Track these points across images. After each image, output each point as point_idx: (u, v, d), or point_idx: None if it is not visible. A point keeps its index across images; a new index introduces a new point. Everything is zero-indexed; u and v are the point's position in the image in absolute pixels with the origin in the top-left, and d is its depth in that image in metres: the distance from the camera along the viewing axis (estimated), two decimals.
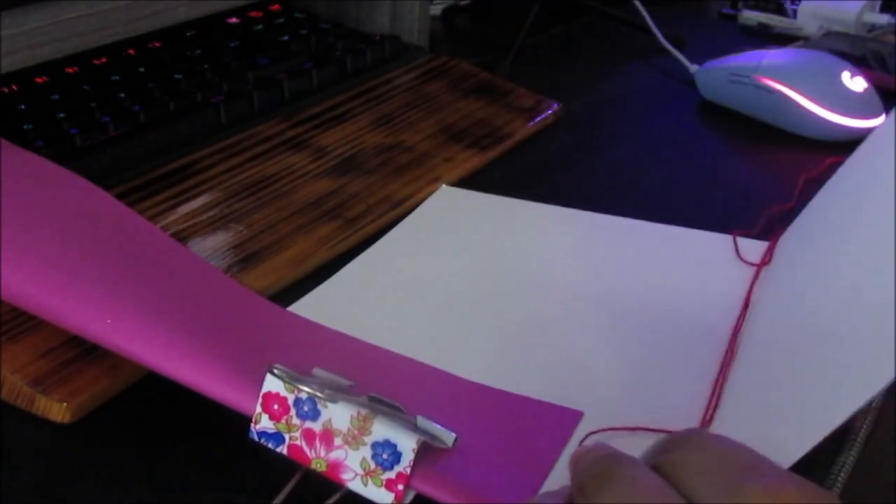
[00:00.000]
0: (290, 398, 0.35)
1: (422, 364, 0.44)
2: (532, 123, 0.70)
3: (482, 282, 0.51)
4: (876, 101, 0.71)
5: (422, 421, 0.36)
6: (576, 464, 0.31)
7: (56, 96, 0.60)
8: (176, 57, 0.67)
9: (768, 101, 0.72)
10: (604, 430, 0.40)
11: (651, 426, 0.40)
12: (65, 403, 0.40)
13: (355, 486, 0.35)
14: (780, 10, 0.96)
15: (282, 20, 0.76)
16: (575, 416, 0.41)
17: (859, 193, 0.50)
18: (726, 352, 0.45)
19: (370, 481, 0.34)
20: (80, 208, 0.46)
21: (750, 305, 0.49)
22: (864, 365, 0.35)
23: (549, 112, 0.72)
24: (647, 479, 0.28)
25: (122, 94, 0.61)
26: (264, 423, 0.36)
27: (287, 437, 0.35)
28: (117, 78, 0.63)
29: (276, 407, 0.35)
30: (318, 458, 0.35)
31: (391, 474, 0.34)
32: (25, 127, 0.55)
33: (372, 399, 0.36)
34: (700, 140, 0.73)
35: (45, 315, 0.39)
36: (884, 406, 0.43)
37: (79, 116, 0.58)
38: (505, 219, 0.58)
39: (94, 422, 0.40)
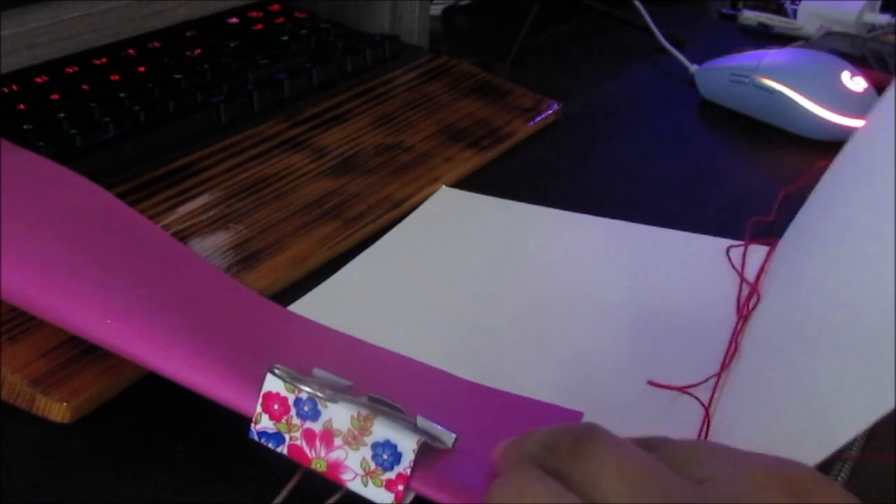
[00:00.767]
0: (291, 398, 0.35)
1: (422, 364, 0.44)
2: (532, 123, 0.70)
3: (481, 283, 0.51)
4: (876, 101, 0.71)
5: (422, 421, 0.36)
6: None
7: (56, 96, 0.59)
8: (176, 57, 0.67)
9: (768, 101, 0.72)
10: None
11: (649, 429, 0.40)
12: (65, 403, 0.40)
13: (355, 486, 0.35)
14: (780, 10, 0.97)
15: (282, 20, 0.76)
16: (575, 417, 0.41)
17: (854, 192, 0.50)
18: (725, 355, 0.45)
19: (370, 481, 0.34)
20: (80, 208, 0.46)
21: (748, 311, 0.48)
22: (865, 391, 0.35)
23: (549, 112, 0.72)
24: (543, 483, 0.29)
25: (122, 94, 0.61)
26: (264, 423, 0.36)
27: (287, 437, 0.35)
28: (117, 78, 0.63)
29: (276, 407, 0.35)
30: (318, 458, 0.35)
31: (391, 475, 0.34)
32: (25, 127, 0.55)
33: (372, 399, 0.36)
34: (700, 140, 0.73)
35: (45, 316, 0.39)
36: None
37: (79, 116, 0.58)
38: (504, 221, 0.58)
39: (94, 422, 0.40)
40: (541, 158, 0.67)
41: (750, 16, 0.96)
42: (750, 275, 0.52)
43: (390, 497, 0.34)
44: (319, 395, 0.35)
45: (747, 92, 0.73)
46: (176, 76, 0.64)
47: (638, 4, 0.87)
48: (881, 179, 0.44)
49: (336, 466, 0.35)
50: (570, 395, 0.42)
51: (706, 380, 0.43)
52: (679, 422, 0.41)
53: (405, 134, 0.65)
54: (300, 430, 0.35)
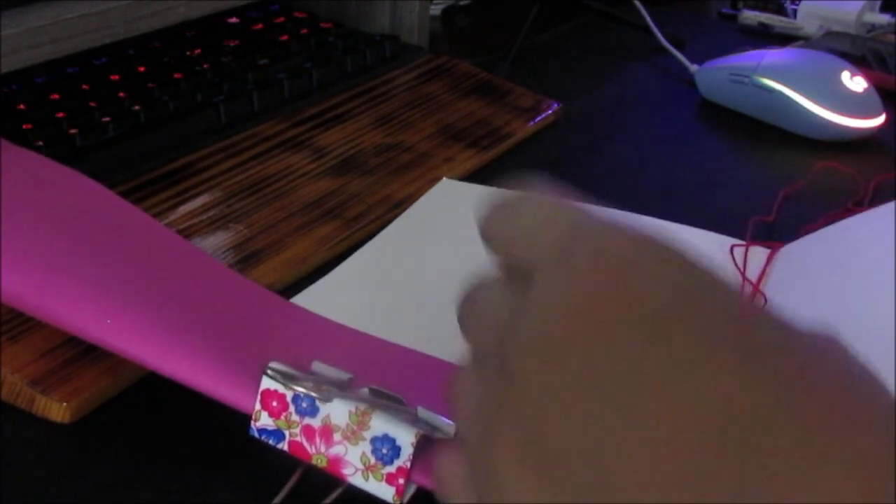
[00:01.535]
0: (289, 395, 0.35)
1: (422, 354, 0.44)
2: (532, 123, 0.70)
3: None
4: (876, 101, 0.71)
5: (423, 412, 0.36)
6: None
7: (56, 96, 0.60)
8: (176, 57, 0.67)
9: (768, 101, 0.72)
10: None
11: None
12: (65, 403, 0.40)
13: (356, 480, 0.35)
14: (780, 10, 0.97)
15: (282, 20, 0.76)
16: None
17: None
18: None
19: (371, 476, 0.34)
20: (80, 206, 0.46)
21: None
22: None
23: (549, 112, 0.72)
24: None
25: (122, 94, 0.61)
26: (264, 421, 0.36)
27: (287, 433, 0.35)
28: (117, 78, 0.63)
29: (274, 404, 0.35)
30: (318, 453, 0.35)
31: (391, 468, 0.34)
32: (25, 127, 0.55)
33: (372, 391, 0.36)
34: (700, 140, 0.73)
35: (44, 317, 0.39)
36: None
37: (79, 116, 0.58)
38: None
39: (94, 422, 0.40)
40: (541, 159, 0.67)
41: (750, 16, 0.96)
42: (751, 274, 0.52)
43: (391, 491, 0.34)
44: (313, 394, 0.35)
45: (747, 92, 0.73)
46: (176, 76, 0.64)
47: (638, 4, 0.87)
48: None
49: (336, 462, 0.35)
50: None
51: None
52: None
53: (405, 134, 0.65)
54: (299, 427, 0.35)
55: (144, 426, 0.41)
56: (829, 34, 0.89)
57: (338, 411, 0.35)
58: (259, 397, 0.36)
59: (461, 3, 0.96)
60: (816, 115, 0.70)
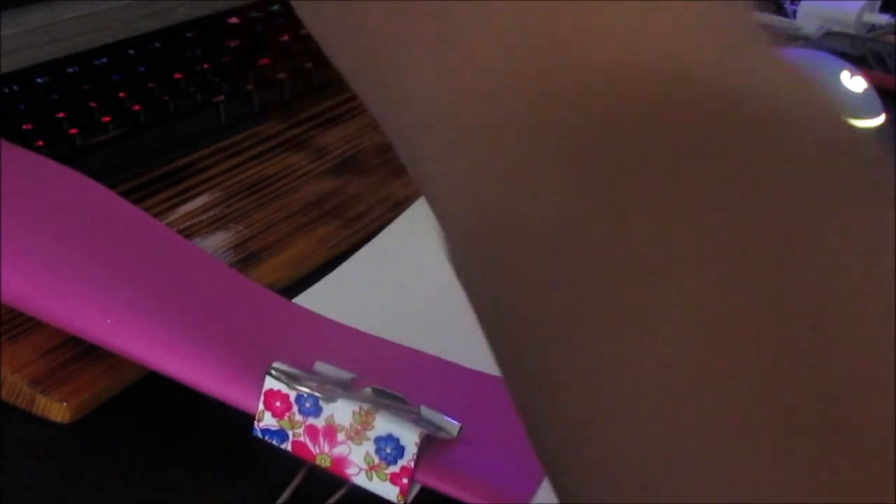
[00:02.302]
0: (292, 395, 0.35)
1: (424, 354, 0.44)
2: None
3: None
4: (876, 101, 0.71)
5: (426, 411, 0.36)
6: None
7: (56, 96, 0.59)
8: (176, 57, 0.67)
9: None
10: None
11: None
12: (65, 403, 0.40)
13: (360, 480, 0.35)
14: (779, 10, 0.96)
15: (282, 20, 0.76)
16: None
17: None
18: None
19: (375, 476, 0.34)
20: (80, 206, 0.46)
21: None
22: None
23: None
24: None
25: (122, 94, 0.61)
26: (267, 421, 0.35)
27: (290, 433, 0.35)
28: (117, 78, 0.63)
29: (278, 404, 0.35)
30: (322, 453, 0.35)
31: (395, 468, 0.34)
32: (25, 127, 0.55)
33: (375, 391, 0.36)
34: None
35: (45, 318, 0.39)
36: None
37: (79, 116, 0.57)
38: None
39: (94, 422, 0.40)
40: None
41: None
42: None
43: (395, 490, 0.34)
44: (317, 394, 0.35)
45: None
46: (176, 76, 0.64)
47: None
48: None
49: (340, 461, 0.35)
50: None
51: None
52: None
53: None
54: (303, 427, 0.35)
55: (144, 426, 0.41)
56: (829, 34, 0.89)
57: (341, 411, 0.35)
58: (262, 397, 0.35)
59: None
60: None
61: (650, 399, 0.16)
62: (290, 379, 0.35)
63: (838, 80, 0.71)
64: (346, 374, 0.37)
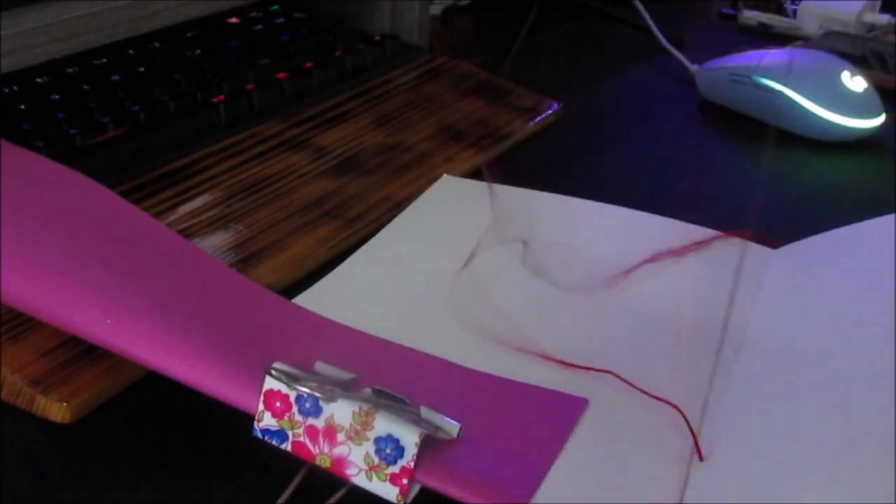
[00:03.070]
0: (292, 395, 0.35)
1: (425, 354, 0.44)
2: (532, 123, 0.70)
3: None
4: (876, 101, 0.71)
5: (426, 411, 0.36)
6: None
7: (56, 96, 0.59)
8: (176, 57, 0.67)
9: (768, 101, 0.72)
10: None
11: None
12: (65, 403, 0.40)
13: (360, 481, 0.35)
14: (780, 10, 0.97)
15: (282, 20, 0.76)
16: (580, 404, 0.41)
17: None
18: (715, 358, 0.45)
19: (375, 476, 0.34)
20: (80, 206, 0.46)
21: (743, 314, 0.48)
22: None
23: (549, 112, 0.72)
24: None
25: (122, 94, 0.61)
26: (267, 421, 0.36)
27: (290, 433, 0.35)
28: (117, 78, 0.63)
29: (278, 404, 0.35)
30: (322, 454, 0.35)
31: (395, 468, 0.34)
32: (25, 127, 0.55)
33: (375, 391, 0.36)
34: (700, 140, 0.73)
35: (45, 317, 0.39)
36: None
37: (79, 116, 0.58)
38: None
39: (94, 422, 0.40)
40: (541, 159, 0.67)
41: (750, 16, 0.96)
42: (749, 276, 0.51)
43: (395, 491, 0.34)
44: (317, 394, 0.35)
45: (747, 92, 0.73)
46: (176, 76, 0.64)
47: (638, 4, 0.87)
48: None
49: (340, 462, 0.35)
50: (574, 382, 0.42)
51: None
52: (683, 406, 0.41)
53: (405, 134, 0.64)
54: (303, 427, 0.35)
55: (144, 426, 0.41)
56: (829, 34, 0.90)
57: (341, 411, 0.35)
58: (262, 397, 0.35)
59: (461, 3, 0.96)
60: (816, 115, 0.70)
61: None
62: (290, 379, 0.35)
63: (838, 80, 0.71)
64: (346, 375, 0.37)
